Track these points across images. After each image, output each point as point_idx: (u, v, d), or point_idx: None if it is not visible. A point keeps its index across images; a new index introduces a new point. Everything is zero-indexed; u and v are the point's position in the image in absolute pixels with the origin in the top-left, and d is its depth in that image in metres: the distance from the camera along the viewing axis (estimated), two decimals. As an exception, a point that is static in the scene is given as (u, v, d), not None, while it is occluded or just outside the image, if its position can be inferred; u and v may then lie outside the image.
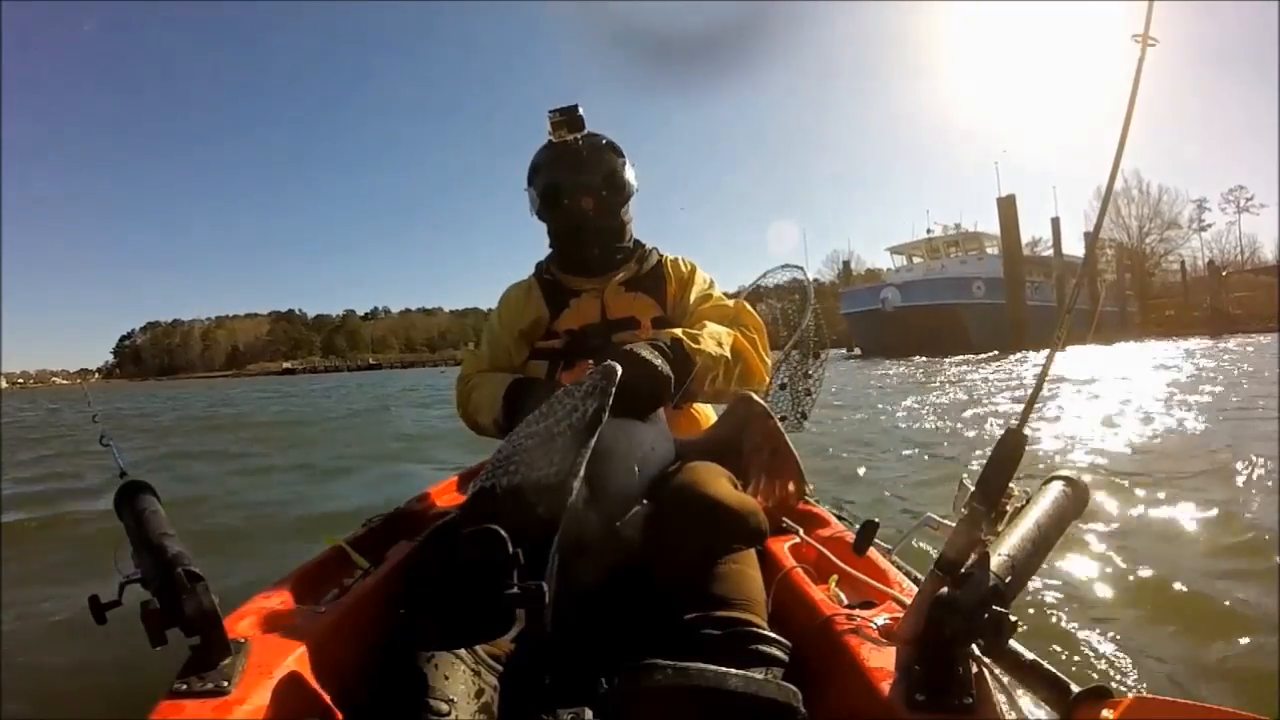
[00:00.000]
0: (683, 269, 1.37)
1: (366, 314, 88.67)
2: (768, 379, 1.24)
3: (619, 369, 0.79)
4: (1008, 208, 24.63)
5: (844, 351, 23.83)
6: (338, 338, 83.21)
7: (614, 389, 0.77)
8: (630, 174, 1.35)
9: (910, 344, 20.87)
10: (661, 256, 1.39)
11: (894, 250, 31.18)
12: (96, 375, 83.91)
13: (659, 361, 0.98)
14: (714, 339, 1.11)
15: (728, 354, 1.12)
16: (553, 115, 1.30)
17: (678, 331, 1.09)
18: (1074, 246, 31.02)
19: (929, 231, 29.65)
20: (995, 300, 23.76)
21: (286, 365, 75.31)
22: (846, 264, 39.30)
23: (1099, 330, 23.27)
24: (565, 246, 1.37)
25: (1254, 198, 37.28)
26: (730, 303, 1.33)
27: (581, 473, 0.72)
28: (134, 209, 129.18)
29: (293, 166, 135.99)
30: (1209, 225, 38.09)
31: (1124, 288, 31.93)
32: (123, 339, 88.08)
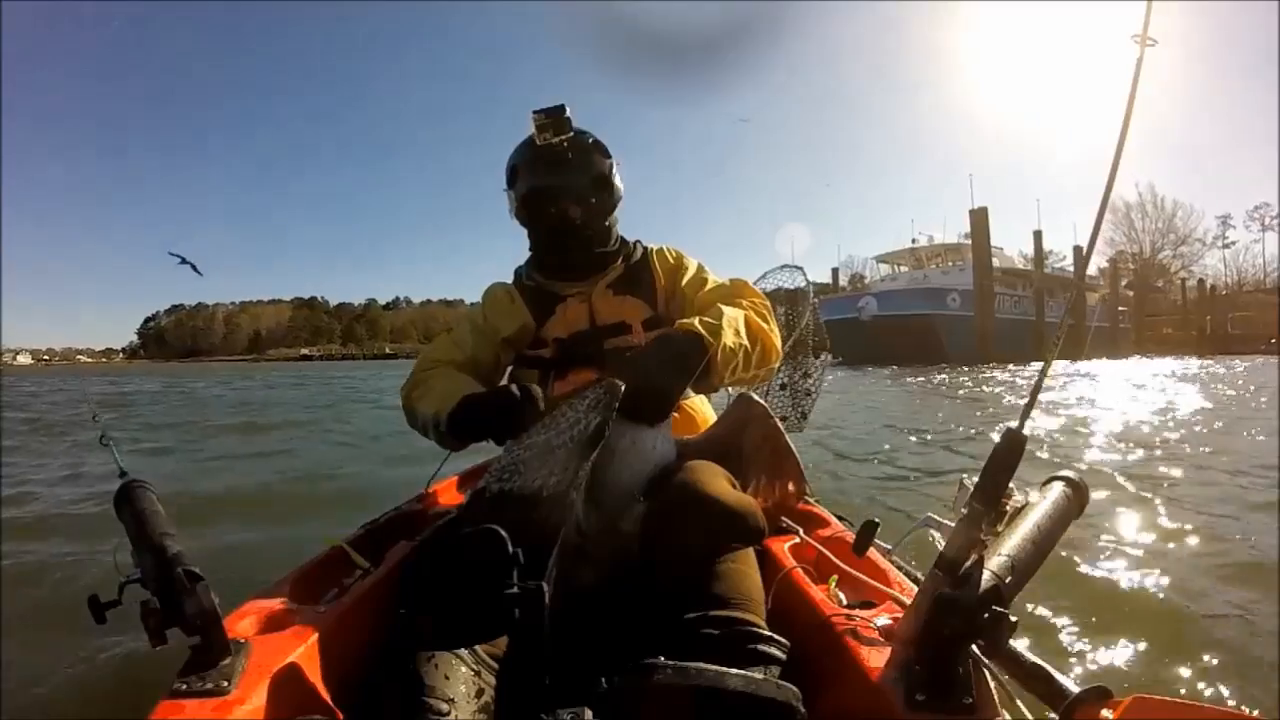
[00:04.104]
0: (669, 258, 1.31)
1: (388, 304, 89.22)
2: (782, 352, 1.15)
3: (622, 386, 0.79)
4: (979, 220, 24.78)
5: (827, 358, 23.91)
6: (358, 326, 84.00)
7: (617, 404, 0.77)
8: (618, 176, 1.27)
9: (885, 353, 21.01)
10: (646, 249, 1.32)
11: (880, 259, 31.36)
12: (120, 355, 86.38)
13: (659, 374, 0.92)
14: (732, 326, 1.02)
15: (746, 342, 1.03)
16: (537, 116, 1.18)
17: (697, 325, 0.99)
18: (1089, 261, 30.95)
19: (914, 241, 29.81)
20: (970, 312, 23.97)
21: (305, 351, 76.31)
22: (835, 271, 39.23)
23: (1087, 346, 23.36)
24: (548, 253, 1.29)
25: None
26: (726, 281, 1.25)
27: (582, 485, 0.72)
28: (165, 196, 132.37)
29: (322, 157, 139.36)
30: (1232, 242, 37.89)
31: (1117, 304, 31.79)
32: (147, 320, 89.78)
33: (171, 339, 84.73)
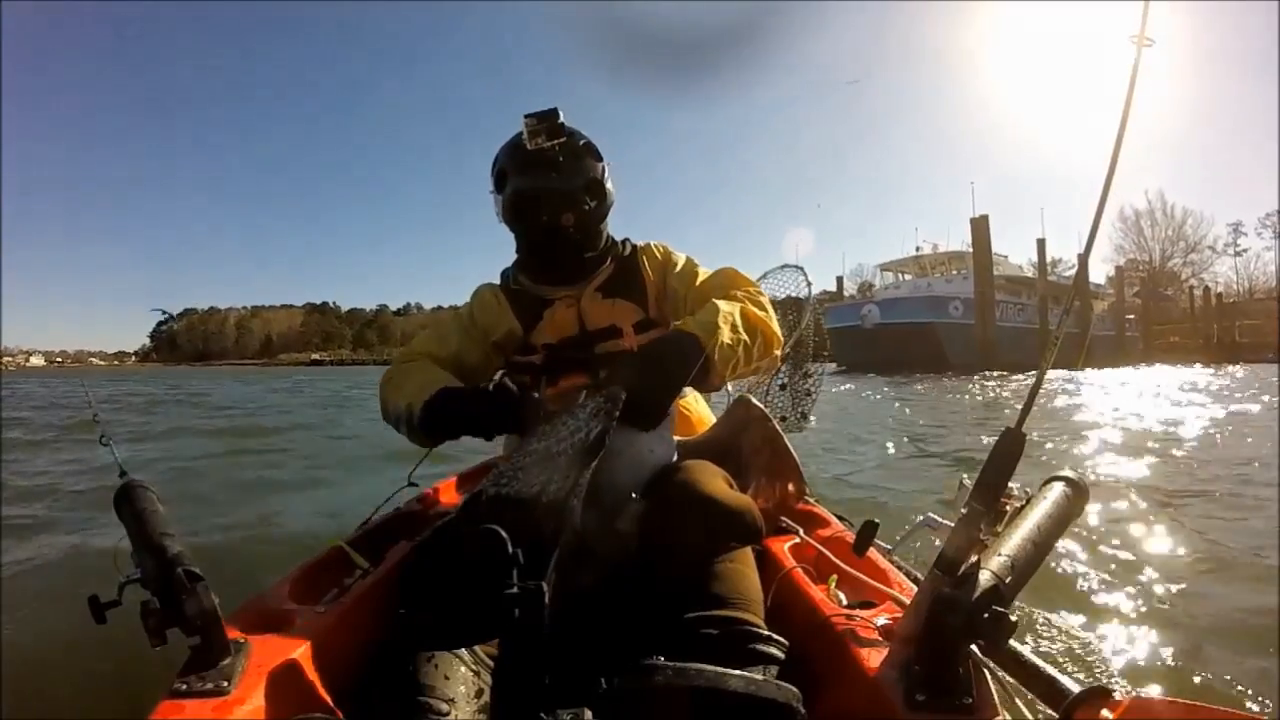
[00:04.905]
0: (656, 255, 1.26)
1: (399, 309, 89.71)
2: (782, 339, 1.09)
3: (623, 395, 0.79)
4: (980, 228, 24.77)
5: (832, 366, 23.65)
6: (369, 332, 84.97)
7: (619, 412, 0.78)
8: (610, 180, 1.22)
9: (887, 361, 21.12)
10: (635, 247, 1.27)
11: (884, 267, 31.49)
12: (133, 358, 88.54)
13: (654, 378, 0.89)
14: (728, 322, 0.98)
15: (745, 336, 0.99)
16: (529, 121, 1.12)
17: (691, 326, 0.96)
18: (1095, 270, 30.88)
19: (918, 249, 29.89)
20: (973, 320, 23.99)
21: (315, 356, 77.44)
22: (840, 279, 39.12)
23: (1092, 354, 23.40)
24: (538, 259, 1.24)
25: (1291, 222, 36.44)
26: (714, 272, 1.20)
27: (583, 492, 0.72)
28: (179, 201, 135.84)
29: (334, 163, 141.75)
30: (1244, 250, 37.61)
31: (1123, 312, 31.69)
32: (160, 324, 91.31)
33: (183, 342, 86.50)
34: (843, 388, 11.95)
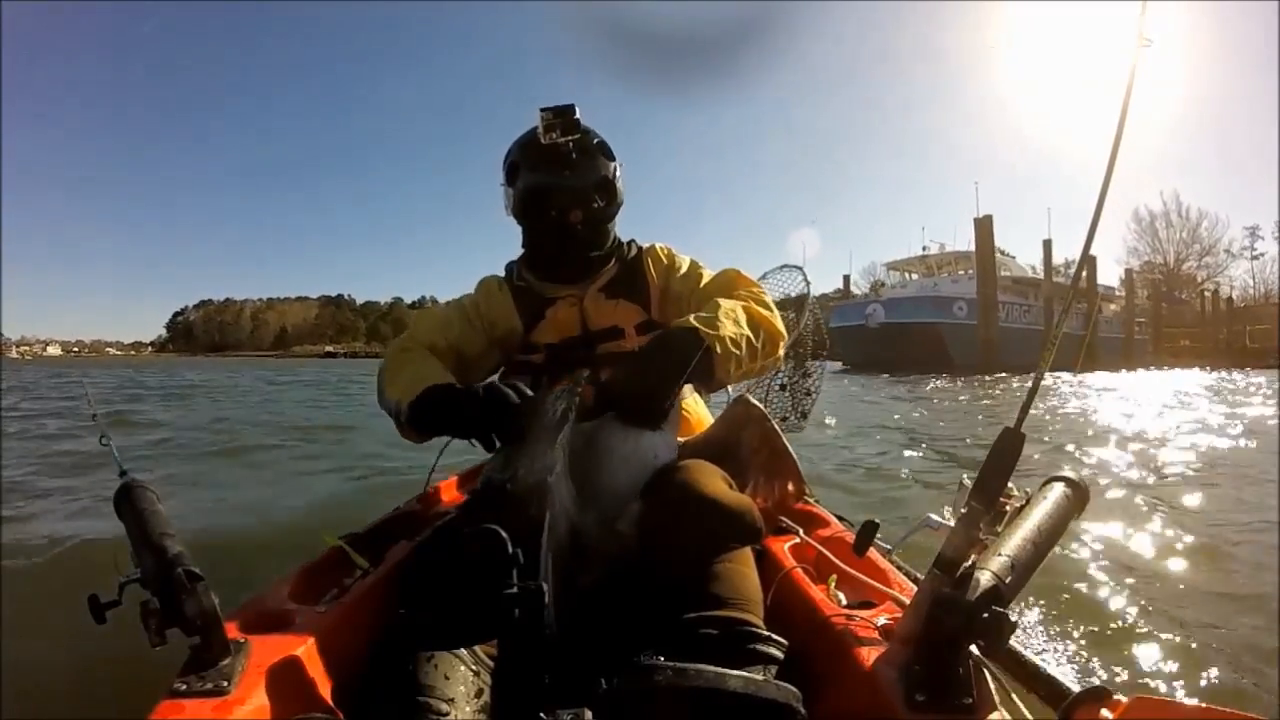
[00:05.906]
0: (660, 257, 1.26)
1: (414, 302, 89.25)
2: (787, 336, 1.10)
3: (585, 373, 0.86)
4: (984, 228, 24.73)
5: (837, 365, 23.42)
6: (383, 324, 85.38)
7: (579, 390, 0.85)
8: (621, 180, 1.23)
9: (891, 361, 21.11)
10: (640, 249, 1.28)
11: (891, 266, 31.47)
12: (149, 348, 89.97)
13: (650, 374, 0.91)
14: (730, 317, 0.98)
15: (747, 331, 0.99)
16: (545, 115, 1.13)
17: (693, 321, 0.96)
18: (1109, 273, 30.67)
19: (924, 249, 29.90)
20: (976, 321, 23.96)
21: (329, 349, 78.75)
22: (846, 278, 39.11)
23: (1099, 357, 23.36)
24: (545, 255, 1.24)
25: (1308, 226, 35.58)
26: (717, 274, 1.21)
27: (557, 468, 0.76)
28: (194, 193, 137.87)
29: (352, 156, 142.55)
30: (1260, 254, 37.09)
31: (1133, 314, 31.59)
32: (176, 314, 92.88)
33: (199, 333, 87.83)
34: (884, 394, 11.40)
